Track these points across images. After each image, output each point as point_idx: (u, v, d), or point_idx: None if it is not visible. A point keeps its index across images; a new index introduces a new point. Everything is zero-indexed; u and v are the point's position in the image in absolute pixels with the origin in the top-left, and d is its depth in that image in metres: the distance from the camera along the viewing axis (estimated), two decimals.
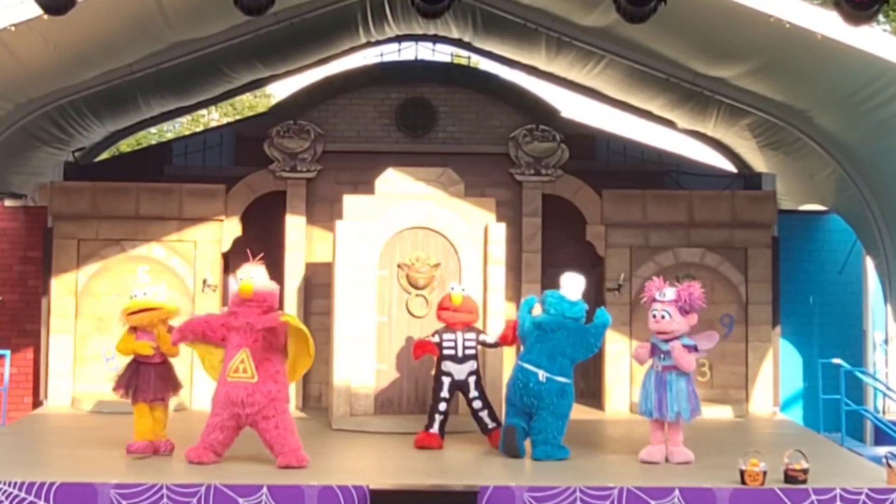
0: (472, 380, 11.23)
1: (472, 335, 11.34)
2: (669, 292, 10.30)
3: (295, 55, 15.44)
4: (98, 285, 13.85)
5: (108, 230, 13.97)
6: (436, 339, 11.29)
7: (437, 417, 11.13)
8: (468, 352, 11.27)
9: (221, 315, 10.22)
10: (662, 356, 10.29)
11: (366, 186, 13.55)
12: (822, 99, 12.04)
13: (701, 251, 14.24)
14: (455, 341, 11.24)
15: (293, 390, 13.96)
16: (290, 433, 9.88)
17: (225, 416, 9.84)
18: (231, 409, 9.79)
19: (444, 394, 11.20)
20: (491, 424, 11.13)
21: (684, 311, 10.24)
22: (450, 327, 11.32)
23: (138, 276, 13.88)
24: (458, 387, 11.24)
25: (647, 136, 16.77)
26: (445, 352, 11.22)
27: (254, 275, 10.01)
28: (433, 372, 11.56)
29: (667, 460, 10.20)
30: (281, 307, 10.26)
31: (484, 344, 11.48)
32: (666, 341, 10.26)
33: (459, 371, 11.20)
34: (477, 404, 11.23)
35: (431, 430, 11.10)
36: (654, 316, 10.29)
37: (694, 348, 10.33)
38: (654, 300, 10.34)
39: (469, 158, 14.49)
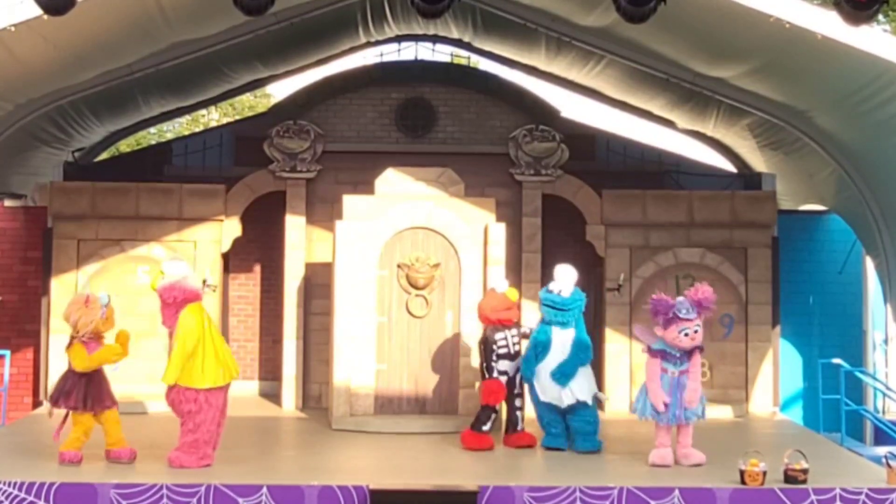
0: (518, 377, 11.28)
1: (515, 331, 11.36)
2: (687, 309, 10.08)
3: (295, 55, 15.44)
4: (98, 285, 13.77)
5: (108, 230, 13.97)
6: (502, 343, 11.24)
7: (518, 415, 11.24)
8: (516, 348, 11.31)
9: None
10: (677, 362, 10.13)
11: (366, 186, 13.55)
12: (821, 99, 12.04)
13: (701, 251, 14.23)
14: (507, 339, 11.22)
15: (293, 390, 14.01)
16: (185, 433, 9.73)
17: None
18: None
19: (517, 389, 11.27)
20: (521, 426, 11.21)
21: (700, 306, 10.20)
22: (499, 325, 11.24)
23: (138, 276, 13.89)
24: (510, 385, 11.25)
25: (647, 136, 16.77)
26: (500, 350, 11.18)
27: (165, 269, 9.97)
28: (481, 371, 11.46)
29: (676, 462, 10.05)
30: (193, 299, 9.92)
31: (526, 336, 11.39)
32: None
33: (512, 368, 11.22)
34: (518, 402, 11.28)
35: (520, 430, 11.17)
36: (688, 334, 10.03)
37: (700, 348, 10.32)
38: (678, 319, 10.06)
39: (469, 158, 14.49)
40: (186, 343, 9.61)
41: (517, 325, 11.47)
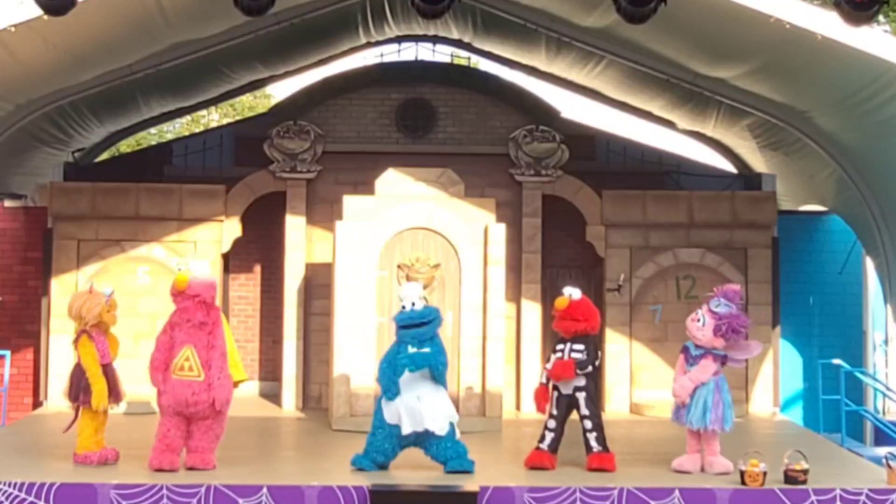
0: (581, 396, 9.91)
1: (580, 346, 9.95)
2: (724, 306, 9.79)
3: (295, 56, 15.45)
4: (98, 286, 13.81)
5: (108, 231, 13.98)
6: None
7: (548, 435, 9.93)
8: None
9: (169, 318, 9.82)
10: (692, 361, 9.84)
11: (366, 187, 13.55)
12: (821, 99, 12.04)
13: (701, 252, 14.24)
14: (563, 351, 9.95)
15: (293, 391, 14.01)
16: (214, 437, 9.62)
17: (172, 416, 9.50)
18: (176, 409, 9.46)
19: (552, 409, 9.97)
20: (596, 448, 9.87)
21: (719, 331, 9.74)
22: (561, 335, 10.07)
23: (138, 276, 13.89)
24: (569, 403, 9.95)
25: (648, 136, 16.77)
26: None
27: (192, 267, 9.85)
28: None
29: (702, 470, 9.73)
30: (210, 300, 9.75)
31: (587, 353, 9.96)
32: (700, 347, 9.84)
33: (566, 385, 9.91)
34: (587, 424, 9.91)
35: (541, 447, 9.92)
36: (697, 313, 9.85)
37: (723, 358, 9.86)
38: (710, 299, 9.90)
39: (469, 159, 14.49)
40: (230, 340, 9.73)
41: (583, 338, 9.99)
